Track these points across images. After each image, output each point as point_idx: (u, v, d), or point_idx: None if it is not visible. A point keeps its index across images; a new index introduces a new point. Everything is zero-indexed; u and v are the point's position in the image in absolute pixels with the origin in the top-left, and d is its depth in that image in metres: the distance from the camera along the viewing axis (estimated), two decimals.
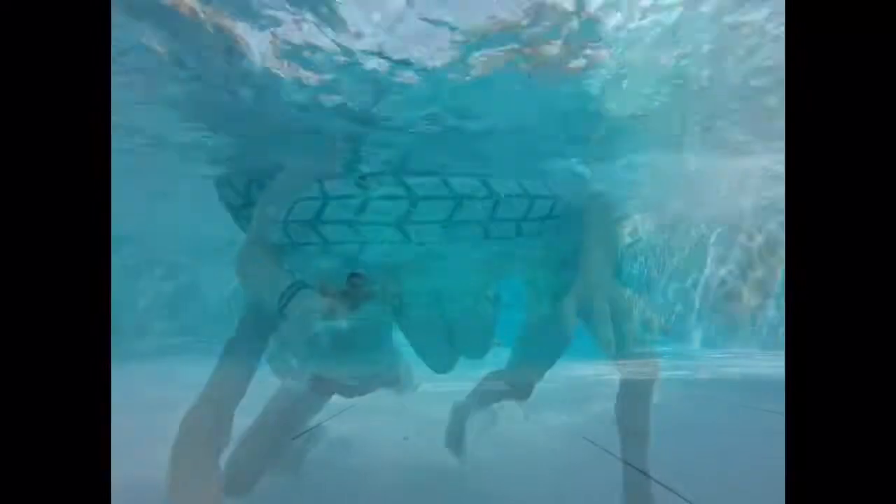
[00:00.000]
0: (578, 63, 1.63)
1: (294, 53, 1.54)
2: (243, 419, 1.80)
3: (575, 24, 1.43)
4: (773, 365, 4.31)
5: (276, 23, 1.40)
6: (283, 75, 1.63)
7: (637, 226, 10.53)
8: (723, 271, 7.41)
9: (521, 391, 2.29)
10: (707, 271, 7.85)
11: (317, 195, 1.76)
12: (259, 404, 2.07)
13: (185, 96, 1.83)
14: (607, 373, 3.85)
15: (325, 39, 1.46)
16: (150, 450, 1.31)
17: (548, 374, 2.85)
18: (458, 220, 1.83)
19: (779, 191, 3.66)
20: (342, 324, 1.58)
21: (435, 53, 1.53)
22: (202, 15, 1.36)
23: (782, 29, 1.50)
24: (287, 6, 1.34)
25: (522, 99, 1.86)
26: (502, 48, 1.51)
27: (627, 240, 10.98)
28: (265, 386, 1.89)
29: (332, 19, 1.39)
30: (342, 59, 1.55)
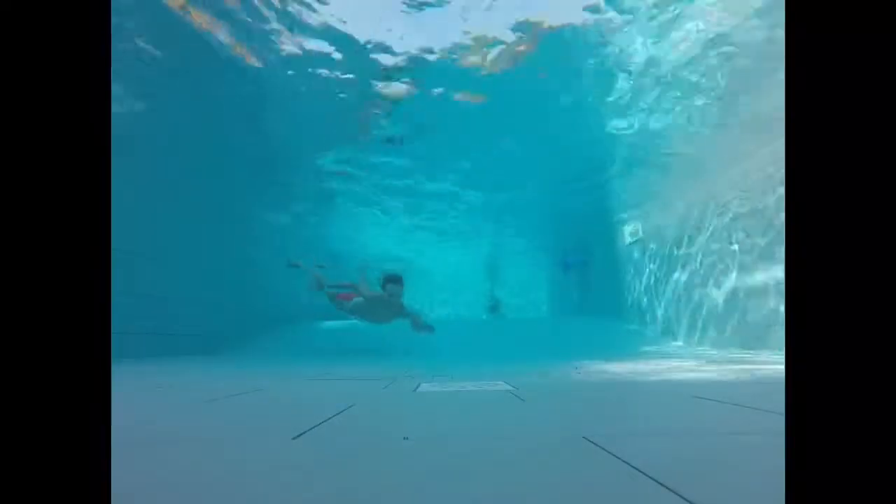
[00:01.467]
0: None
1: None
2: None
3: None
4: (773, 364, 4.30)
5: None
6: None
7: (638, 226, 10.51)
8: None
9: None
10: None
11: None
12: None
13: None
14: (610, 371, 3.85)
15: None
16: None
17: (549, 372, 2.79)
18: None
19: None
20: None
21: None
22: None
23: None
24: None
25: None
26: None
27: (628, 239, 10.95)
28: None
29: None
30: None
